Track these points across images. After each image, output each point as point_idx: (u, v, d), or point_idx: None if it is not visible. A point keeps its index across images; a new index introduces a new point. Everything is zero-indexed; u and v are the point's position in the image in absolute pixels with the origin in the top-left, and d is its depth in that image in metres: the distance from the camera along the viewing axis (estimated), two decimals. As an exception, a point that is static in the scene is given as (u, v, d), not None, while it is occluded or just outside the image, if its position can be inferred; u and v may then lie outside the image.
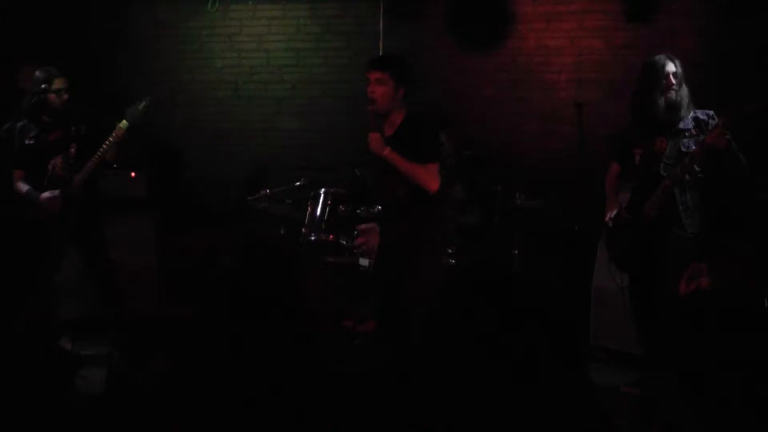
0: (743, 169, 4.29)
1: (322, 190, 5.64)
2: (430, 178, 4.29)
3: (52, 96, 4.99)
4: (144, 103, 5.06)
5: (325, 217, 5.55)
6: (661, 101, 4.36)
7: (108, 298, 5.20)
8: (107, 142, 4.95)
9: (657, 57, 4.46)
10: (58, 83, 5.02)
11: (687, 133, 4.38)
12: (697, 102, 4.48)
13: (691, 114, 4.41)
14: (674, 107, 4.37)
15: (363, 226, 5.18)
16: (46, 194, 5.01)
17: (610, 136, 4.93)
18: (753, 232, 4.83)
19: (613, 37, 6.26)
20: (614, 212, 4.63)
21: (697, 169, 4.29)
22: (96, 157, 4.99)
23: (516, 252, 5.73)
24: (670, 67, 4.37)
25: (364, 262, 5.30)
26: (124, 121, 4.97)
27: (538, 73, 6.43)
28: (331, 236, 5.50)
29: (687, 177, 4.32)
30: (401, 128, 4.35)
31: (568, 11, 6.35)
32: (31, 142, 5.06)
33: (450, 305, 1.82)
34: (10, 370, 2.12)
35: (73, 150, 5.04)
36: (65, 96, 5.05)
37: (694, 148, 4.32)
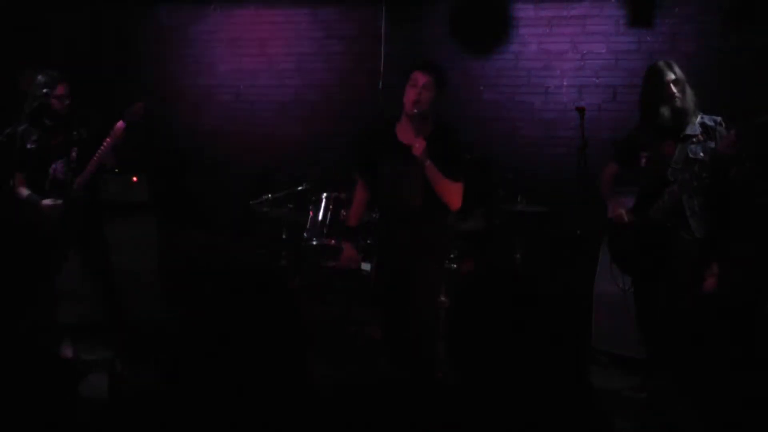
0: (748, 174, 4.30)
1: (324, 194, 5.63)
2: (456, 195, 4.29)
3: (53, 101, 4.99)
4: (140, 103, 5.07)
5: (327, 222, 5.55)
6: (666, 110, 4.36)
7: (109, 302, 5.20)
8: (105, 143, 4.97)
9: (656, 64, 4.46)
10: (59, 88, 5.01)
11: (695, 139, 4.37)
12: (699, 106, 4.47)
13: (698, 119, 4.40)
14: (679, 114, 4.37)
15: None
16: (48, 202, 5.01)
17: (617, 140, 4.94)
18: (754, 236, 4.83)
19: (615, 41, 6.27)
20: (623, 210, 4.61)
21: (704, 175, 4.29)
22: (95, 158, 4.99)
23: (518, 256, 5.73)
24: (670, 76, 4.35)
25: (366, 266, 5.30)
26: (121, 122, 4.98)
27: (539, 78, 6.44)
28: (332, 241, 5.50)
29: (695, 183, 4.32)
30: (431, 140, 4.27)
31: (569, 16, 6.36)
32: (33, 146, 5.06)
33: (452, 310, 1.82)
34: (12, 375, 2.11)
35: (74, 154, 5.03)
36: (67, 101, 5.05)
37: (702, 154, 4.31)
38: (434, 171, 4.21)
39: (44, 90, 4.96)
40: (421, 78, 4.26)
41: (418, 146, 4.19)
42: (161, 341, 2.47)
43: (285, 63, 7.03)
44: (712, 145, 4.31)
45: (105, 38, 7.20)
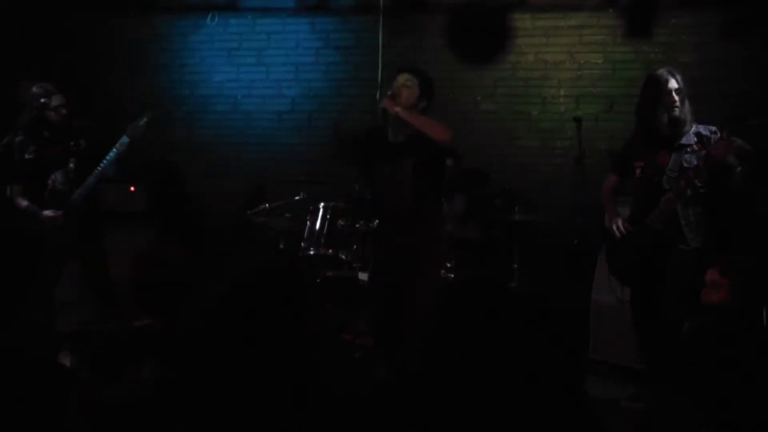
0: (741, 183, 4.30)
1: (321, 204, 5.64)
2: (439, 127, 4.31)
3: (49, 112, 5.00)
4: (145, 119, 5.08)
5: (325, 231, 5.55)
6: (665, 117, 4.36)
7: (107, 311, 5.19)
8: (107, 158, 4.98)
9: (660, 71, 4.45)
10: (55, 100, 5.02)
11: (689, 149, 4.38)
12: (696, 116, 4.48)
13: (693, 129, 4.41)
14: (678, 123, 4.38)
15: None
16: (48, 213, 5.02)
17: (612, 150, 4.95)
18: (753, 246, 4.83)
19: (612, 51, 6.28)
20: (619, 221, 4.60)
21: (699, 184, 4.30)
22: (96, 172, 5.00)
23: (515, 266, 5.73)
24: (673, 84, 4.36)
25: (363, 276, 5.30)
26: (125, 137, 4.99)
27: (537, 88, 6.45)
28: (330, 250, 5.50)
29: (689, 192, 4.32)
30: (413, 135, 4.34)
31: (567, 26, 6.37)
32: (31, 156, 5.06)
33: (450, 319, 1.82)
34: (10, 383, 2.11)
35: (72, 165, 5.04)
36: (63, 111, 5.05)
37: (696, 163, 4.32)
38: (408, 113, 4.30)
39: (42, 100, 4.96)
40: (400, 78, 4.42)
41: (386, 102, 4.32)
42: (159, 349, 2.47)
43: (282, 72, 7.03)
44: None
45: (102, 47, 7.19)
